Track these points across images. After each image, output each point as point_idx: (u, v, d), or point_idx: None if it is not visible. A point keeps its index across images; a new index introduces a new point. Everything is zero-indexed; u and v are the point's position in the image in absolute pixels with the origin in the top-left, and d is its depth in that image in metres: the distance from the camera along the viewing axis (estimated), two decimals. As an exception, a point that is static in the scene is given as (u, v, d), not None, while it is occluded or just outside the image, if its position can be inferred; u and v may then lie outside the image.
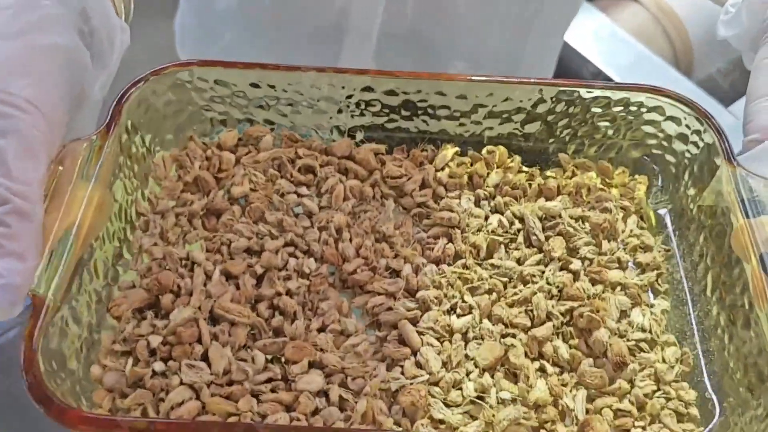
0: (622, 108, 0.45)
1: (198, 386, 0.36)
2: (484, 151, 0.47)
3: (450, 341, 0.39)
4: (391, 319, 0.40)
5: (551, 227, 0.44)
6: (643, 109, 0.45)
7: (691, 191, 0.44)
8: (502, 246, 0.43)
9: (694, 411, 0.37)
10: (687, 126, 0.44)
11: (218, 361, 0.36)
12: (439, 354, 0.38)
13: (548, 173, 0.47)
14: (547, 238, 0.43)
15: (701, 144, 0.44)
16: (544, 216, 0.44)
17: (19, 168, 0.32)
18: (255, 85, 0.46)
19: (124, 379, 0.37)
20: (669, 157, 0.46)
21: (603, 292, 0.41)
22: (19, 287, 0.31)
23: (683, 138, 0.45)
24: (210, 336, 0.37)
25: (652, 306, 0.41)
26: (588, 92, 0.45)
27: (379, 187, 0.46)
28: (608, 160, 0.47)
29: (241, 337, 0.38)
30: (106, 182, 0.40)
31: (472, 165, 0.47)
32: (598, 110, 0.46)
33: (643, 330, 0.40)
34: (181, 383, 0.36)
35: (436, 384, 0.37)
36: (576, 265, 0.42)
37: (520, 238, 0.44)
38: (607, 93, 0.45)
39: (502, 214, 0.45)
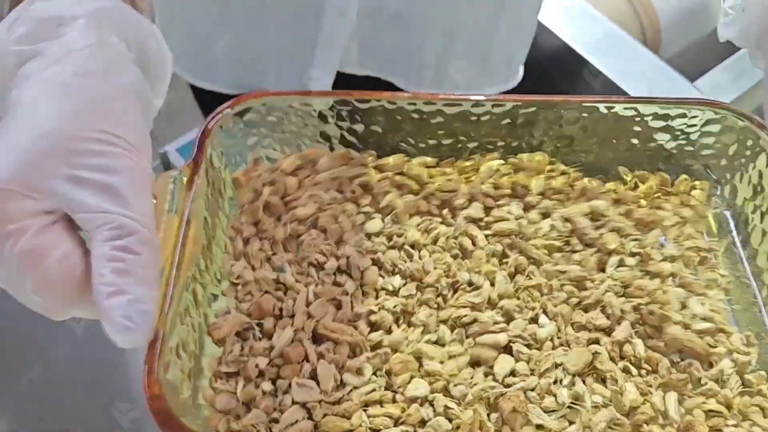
0: (680, 122, 0.48)
1: (311, 405, 0.37)
2: (525, 157, 0.49)
3: (538, 349, 0.41)
4: (478, 330, 0.42)
5: (600, 225, 0.46)
6: (701, 122, 0.48)
7: (752, 197, 0.46)
8: (561, 249, 0.46)
9: None
10: (743, 136, 0.47)
11: (327, 379, 0.38)
12: (529, 362, 0.40)
13: (609, 185, 0.49)
14: (599, 236, 0.46)
15: (758, 151, 0.46)
16: (591, 216, 0.47)
17: (137, 201, 0.33)
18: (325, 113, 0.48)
19: (235, 401, 0.38)
20: (727, 166, 0.48)
21: (662, 285, 0.44)
22: (154, 314, 0.32)
23: (740, 147, 0.47)
24: (316, 355, 0.39)
25: (709, 298, 0.44)
26: (646, 107, 0.47)
27: (431, 201, 0.48)
28: (667, 171, 0.49)
29: (344, 355, 0.40)
30: (195, 214, 0.42)
31: (515, 173, 0.49)
32: (657, 123, 0.48)
33: (707, 320, 0.42)
34: (293, 402, 0.38)
35: (530, 390, 0.39)
36: (631, 260, 0.45)
37: (574, 240, 0.46)
38: (665, 108, 0.47)
39: (551, 218, 0.47)
